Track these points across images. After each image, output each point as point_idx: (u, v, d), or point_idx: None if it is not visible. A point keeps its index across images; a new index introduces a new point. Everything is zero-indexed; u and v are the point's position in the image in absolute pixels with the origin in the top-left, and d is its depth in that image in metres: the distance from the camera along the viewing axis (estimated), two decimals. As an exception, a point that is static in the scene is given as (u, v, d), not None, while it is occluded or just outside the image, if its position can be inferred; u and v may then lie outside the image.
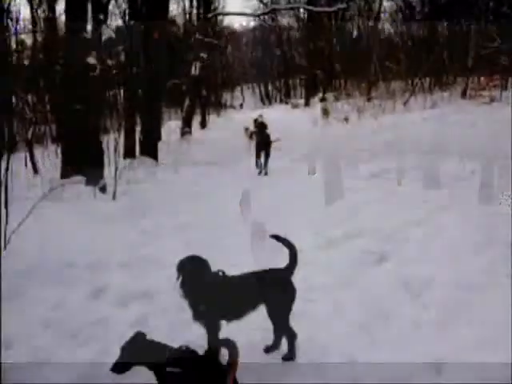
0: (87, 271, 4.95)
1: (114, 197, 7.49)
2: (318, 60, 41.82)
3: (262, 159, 12.32)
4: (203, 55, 17.91)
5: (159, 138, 18.60)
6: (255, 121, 13.43)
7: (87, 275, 4.87)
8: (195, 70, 17.80)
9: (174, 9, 33.12)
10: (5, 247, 4.83)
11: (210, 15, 17.62)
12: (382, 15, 42.94)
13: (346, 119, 20.24)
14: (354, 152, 11.66)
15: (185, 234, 6.25)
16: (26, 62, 24.64)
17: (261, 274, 3.74)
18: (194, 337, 3.58)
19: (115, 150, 7.89)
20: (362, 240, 5.65)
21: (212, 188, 9.39)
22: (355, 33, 45.75)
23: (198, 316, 3.57)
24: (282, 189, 9.09)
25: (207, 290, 3.51)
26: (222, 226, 6.57)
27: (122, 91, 18.71)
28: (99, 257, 5.19)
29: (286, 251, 3.67)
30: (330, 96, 36.87)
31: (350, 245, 5.58)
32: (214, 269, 3.59)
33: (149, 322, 4.04)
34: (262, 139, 12.40)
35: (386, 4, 42.36)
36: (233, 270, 3.67)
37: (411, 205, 6.81)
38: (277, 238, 3.80)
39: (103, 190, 8.12)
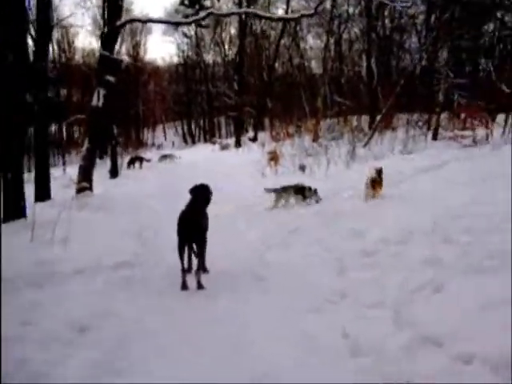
0: None
1: None
2: (247, 97, 37.22)
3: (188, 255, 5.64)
4: (110, 78, 11.67)
5: (48, 196, 12.15)
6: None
7: None
8: (98, 99, 11.46)
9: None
10: None
11: (118, 23, 11.58)
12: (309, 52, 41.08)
13: (303, 167, 14.73)
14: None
15: None
16: None
17: None
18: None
19: None
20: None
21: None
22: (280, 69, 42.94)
23: None
24: None
25: None
26: None
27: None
28: None
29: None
30: (263, 135, 31.86)
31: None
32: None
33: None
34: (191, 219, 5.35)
35: (312, 42, 40.61)
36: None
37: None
38: None
39: None
